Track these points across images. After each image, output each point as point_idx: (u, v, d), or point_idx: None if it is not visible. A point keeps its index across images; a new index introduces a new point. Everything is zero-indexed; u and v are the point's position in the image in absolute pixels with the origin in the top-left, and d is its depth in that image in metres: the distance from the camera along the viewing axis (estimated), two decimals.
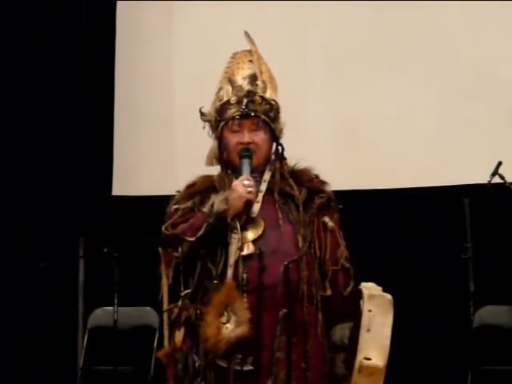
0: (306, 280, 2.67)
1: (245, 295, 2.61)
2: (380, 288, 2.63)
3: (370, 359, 2.44)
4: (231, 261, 2.66)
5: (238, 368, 2.59)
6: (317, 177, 2.87)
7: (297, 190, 2.79)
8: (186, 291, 2.74)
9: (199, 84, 5.35)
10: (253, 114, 2.82)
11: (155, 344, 4.93)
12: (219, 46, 5.32)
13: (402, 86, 4.95)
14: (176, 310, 2.77)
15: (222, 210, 2.72)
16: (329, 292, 2.70)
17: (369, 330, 2.48)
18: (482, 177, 4.25)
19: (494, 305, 4.64)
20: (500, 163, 4.23)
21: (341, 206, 2.84)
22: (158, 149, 5.46)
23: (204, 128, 2.96)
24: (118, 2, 5.61)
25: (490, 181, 4.19)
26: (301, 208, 2.75)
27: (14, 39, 5.34)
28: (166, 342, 2.82)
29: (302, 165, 2.89)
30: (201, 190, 2.90)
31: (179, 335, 2.76)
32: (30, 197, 5.30)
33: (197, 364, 2.68)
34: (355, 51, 5.04)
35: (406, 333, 4.34)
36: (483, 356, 4.53)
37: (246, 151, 2.80)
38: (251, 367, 2.59)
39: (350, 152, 4.96)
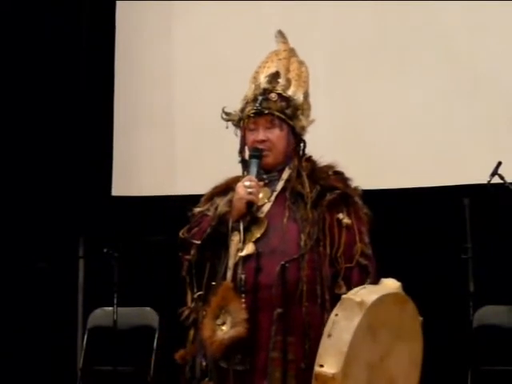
0: (308, 279, 2.64)
1: (243, 296, 2.62)
2: (397, 284, 2.56)
3: (322, 366, 2.35)
4: (230, 262, 2.67)
5: (237, 368, 2.60)
6: (336, 173, 2.84)
7: (308, 187, 2.76)
8: (197, 293, 2.76)
9: (199, 84, 5.38)
10: (266, 112, 2.81)
11: (155, 344, 4.94)
12: (219, 46, 5.35)
13: (402, 86, 4.94)
14: (186, 312, 2.80)
15: (223, 212, 2.74)
16: (343, 290, 2.63)
17: (330, 336, 2.38)
18: (481, 177, 4.25)
19: (494, 305, 4.64)
20: (500, 163, 4.22)
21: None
22: (158, 149, 5.46)
23: (227, 128, 2.93)
24: (118, 2, 5.62)
25: (489, 181, 4.19)
26: (308, 206, 2.72)
27: (14, 39, 5.34)
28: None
29: (324, 161, 2.88)
30: (220, 191, 2.89)
31: (191, 337, 2.79)
32: (30, 197, 5.30)
33: (203, 364, 2.68)
34: (355, 51, 5.03)
35: None
36: (483, 356, 4.53)
37: (255, 151, 2.79)
38: (249, 367, 2.60)
39: (349, 152, 4.95)
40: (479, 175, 4.29)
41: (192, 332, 2.79)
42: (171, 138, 5.46)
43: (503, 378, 4.49)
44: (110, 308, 4.68)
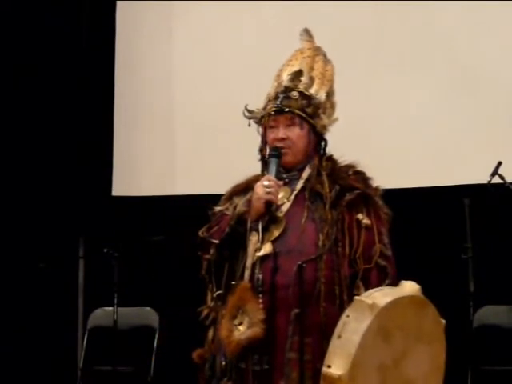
0: (326, 279, 2.63)
1: (260, 296, 2.61)
2: (416, 287, 2.51)
3: (330, 367, 2.33)
4: (248, 262, 2.66)
5: (255, 368, 2.60)
6: (356, 173, 2.83)
7: (327, 187, 2.74)
8: (217, 292, 2.76)
9: (199, 84, 5.38)
10: (287, 110, 2.79)
11: (155, 344, 4.94)
12: (219, 46, 5.35)
13: (402, 86, 4.94)
14: (206, 311, 2.80)
15: (241, 211, 2.73)
16: (362, 291, 2.61)
17: (339, 337, 2.36)
18: (481, 177, 4.25)
19: (494, 305, 4.64)
20: (500, 163, 4.22)
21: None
22: (158, 149, 5.46)
23: (249, 125, 2.91)
24: (118, 2, 5.61)
25: (489, 181, 4.19)
26: (327, 206, 2.70)
27: (14, 39, 5.33)
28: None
29: (346, 161, 2.87)
30: (239, 190, 2.88)
31: (210, 336, 2.78)
32: (30, 197, 5.30)
33: (223, 364, 2.67)
34: (355, 51, 5.03)
35: None
36: (483, 356, 4.53)
37: (274, 150, 2.77)
38: (267, 367, 2.59)
39: (349, 152, 4.95)
40: (479, 175, 4.29)
41: (211, 331, 2.78)
42: (171, 138, 5.46)
43: (503, 378, 4.49)
44: (110, 308, 4.68)
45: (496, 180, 4.22)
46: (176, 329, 5.06)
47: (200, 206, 5.12)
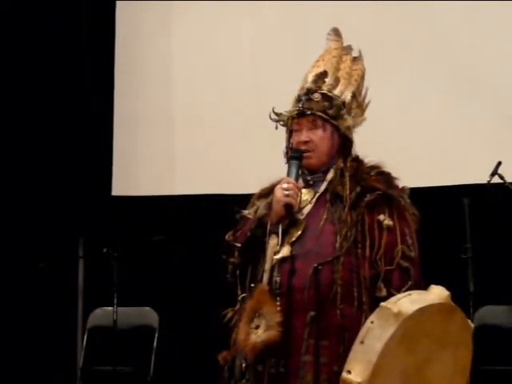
0: (343, 281, 2.60)
1: (278, 299, 2.60)
2: (445, 294, 2.47)
3: (350, 373, 2.30)
4: (266, 266, 2.65)
5: (272, 371, 2.59)
6: (379, 174, 2.79)
7: (348, 189, 2.71)
8: (241, 295, 2.74)
9: (199, 84, 5.38)
10: (308, 113, 2.78)
11: (155, 344, 4.94)
12: (219, 46, 5.35)
13: (402, 86, 4.94)
14: (230, 313, 2.80)
15: (262, 215, 2.72)
16: (383, 293, 2.59)
17: (362, 342, 2.32)
18: (481, 177, 4.25)
19: (494, 305, 4.64)
20: (500, 163, 4.22)
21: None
22: (158, 149, 5.46)
23: (277, 128, 2.87)
24: (118, 2, 5.62)
25: (489, 181, 4.18)
26: (347, 208, 2.67)
27: (14, 40, 5.34)
28: None
29: (372, 161, 2.83)
30: (264, 194, 2.86)
31: (233, 338, 2.77)
32: (29, 197, 5.30)
33: (243, 366, 2.66)
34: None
35: None
36: (483, 356, 4.52)
37: (295, 152, 2.75)
38: (283, 370, 2.58)
39: None
40: (479, 175, 4.29)
41: (234, 333, 2.76)
42: (171, 138, 5.46)
43: (503, 378, 4.49)
44: (110, 308, 4.68)
45: (496, 180, 4.22)
46: (176, 329, 5.06)
47: (200, 206, 5.16)
